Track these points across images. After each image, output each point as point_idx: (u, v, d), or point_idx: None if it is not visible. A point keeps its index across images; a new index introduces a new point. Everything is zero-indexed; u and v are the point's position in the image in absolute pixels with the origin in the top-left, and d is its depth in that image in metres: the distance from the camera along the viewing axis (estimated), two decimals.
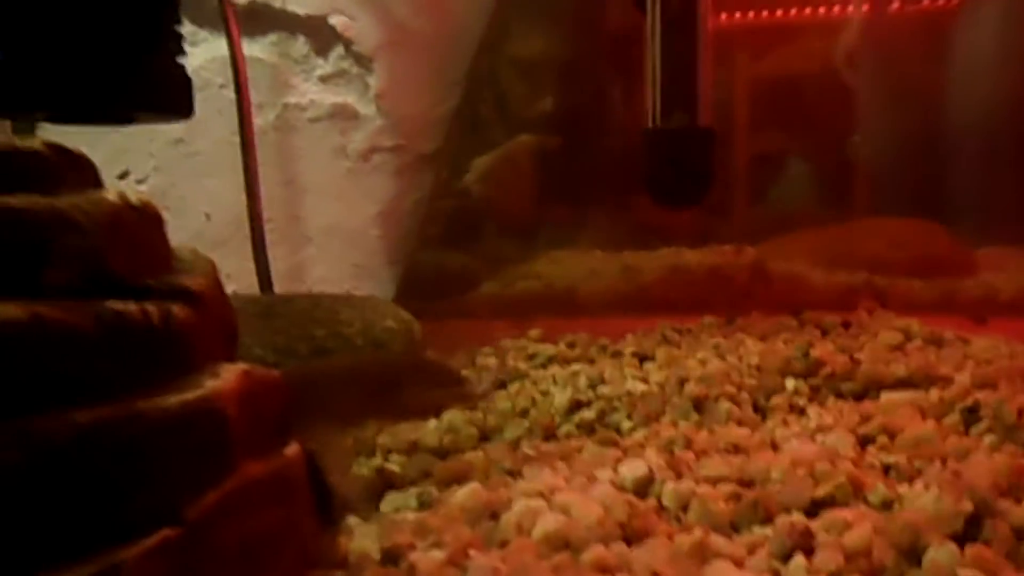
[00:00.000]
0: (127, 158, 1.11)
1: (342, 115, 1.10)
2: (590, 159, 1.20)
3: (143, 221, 0.42)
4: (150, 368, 0.38)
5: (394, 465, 0.59)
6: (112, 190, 0.41)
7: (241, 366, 0.42)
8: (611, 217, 1.29)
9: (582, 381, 0.70)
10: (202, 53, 1.08)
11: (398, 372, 0.70)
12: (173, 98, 0.74)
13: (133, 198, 0.41)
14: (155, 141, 1.12)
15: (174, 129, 1.11)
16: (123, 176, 1.09)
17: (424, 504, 0.50)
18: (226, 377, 0.40)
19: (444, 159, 1.14)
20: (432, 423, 0.65)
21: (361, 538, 0.45)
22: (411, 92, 1.11)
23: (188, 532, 0.37)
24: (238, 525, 0.40)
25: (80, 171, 0.42)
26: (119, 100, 0.68)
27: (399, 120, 1.11)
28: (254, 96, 1.07)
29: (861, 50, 1.56)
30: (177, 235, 1.19)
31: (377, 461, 0.60)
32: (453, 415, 0.66)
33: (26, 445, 0.33)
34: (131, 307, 0.38)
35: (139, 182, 1.12)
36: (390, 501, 0.52)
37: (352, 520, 0.51)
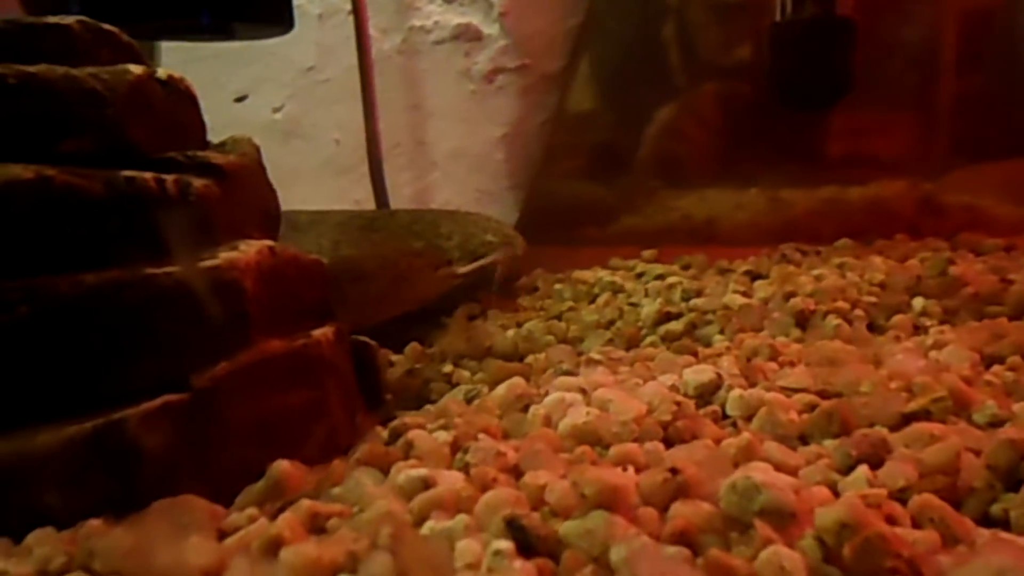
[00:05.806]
0: (264, 88, 1.15)
1: (466, 36, 1.08)
2: (774, 109, 1.10)
3: (171, 95, 0.41)
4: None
5: (464, 370, 0.58)
6: (139, 65, 0.41)
7: (266, 242, 0.42)
8: (783, 162, 1.19)
9: (676, 294, 0.65)
10: None
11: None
12: (271, 9, 0.76)
13: (160, 72, 0.41)
14: (289, 70, 1.15)
15: (306, 57, 1.14)
16: (239, 99, 1.14)
17: (470, 400, 0.48)
18: (245, 251, 0.40)
19: (570, 80, 1.09)
20: (511, 332, 0.63)
21: None
22: (534, 9, 1.07)
23: (195, 400, 0.37)
24: (255, 401, 0.39)
25: (116, 50, 0.42)
26: (214, 10, 0.70)
27: (523, 39, 1.07)
28: (379, 21, 1.07)
29: None
30: (308, 161, 1.21)
31: (447, 366, 0.58)
32: (534, 324, 0.63)
33: (34, 301, 0.34)
34: (145, 175, 0.38)
35: (275, 110, 1.16)
36: (443, 399, 0.51)
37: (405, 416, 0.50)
